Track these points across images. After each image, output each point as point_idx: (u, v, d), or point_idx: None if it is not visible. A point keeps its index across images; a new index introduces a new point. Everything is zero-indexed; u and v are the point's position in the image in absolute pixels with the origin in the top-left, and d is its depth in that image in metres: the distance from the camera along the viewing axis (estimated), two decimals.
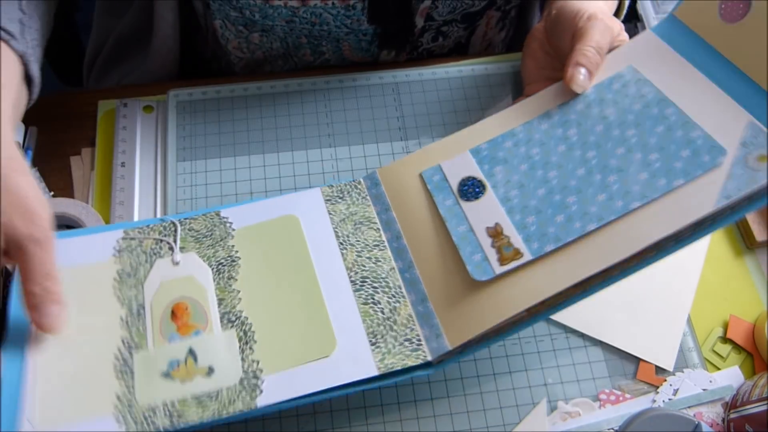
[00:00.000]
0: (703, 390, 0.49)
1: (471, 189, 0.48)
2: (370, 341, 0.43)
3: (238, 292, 0.46)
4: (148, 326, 0.44)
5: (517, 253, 0.44)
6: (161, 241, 0.48)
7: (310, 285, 0.46)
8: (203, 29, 0.71)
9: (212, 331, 0.44)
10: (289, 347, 0.43)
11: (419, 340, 0.43)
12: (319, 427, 0.47)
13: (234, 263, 0.47)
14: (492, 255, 0.44)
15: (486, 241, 0.45)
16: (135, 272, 0.46)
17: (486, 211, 0.47)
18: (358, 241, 0.48)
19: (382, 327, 0.44)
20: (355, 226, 0.49)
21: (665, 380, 0.49)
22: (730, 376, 0.50)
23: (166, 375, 0.42)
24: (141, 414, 0.40)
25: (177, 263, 0.46)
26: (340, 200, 0.51)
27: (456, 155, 0.50)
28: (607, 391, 0.49)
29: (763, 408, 0.44)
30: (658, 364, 0.50)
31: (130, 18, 0.71)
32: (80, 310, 0.44)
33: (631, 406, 0.48)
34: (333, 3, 0.60)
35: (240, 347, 0.43)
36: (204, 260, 0.47)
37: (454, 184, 0.49)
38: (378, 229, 0.49)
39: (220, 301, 0.45)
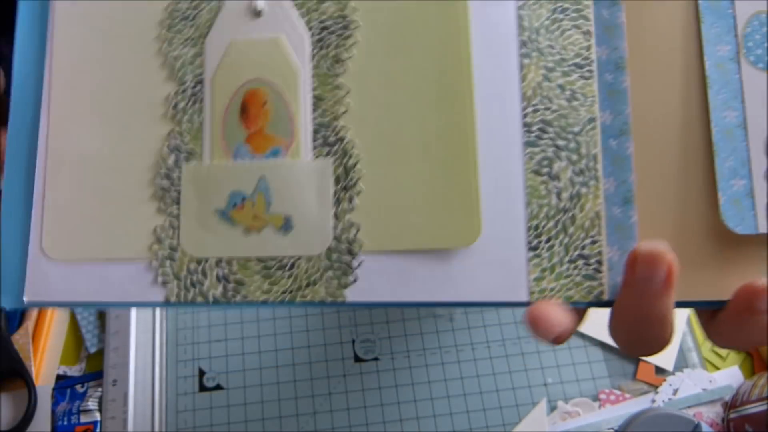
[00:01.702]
0: (703, 390, 0.48)
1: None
2: (529, 242, 0.26)
3: (347, 92, 0.27)
4: (205, 120, 0.28)
5: None
6: None
7: (458, 108, 0.27)
8: None
9: (298, 154, 0.27)
10: (408, 214, 0.26)
11: (599, 263, 0.26)
12: (319, 427, 0.45)
13: (347, 31, 0.28)
14: (764, 192, 0.26)
15: (762, 163, 0.26)
16: (194, 14, 0.28)
17: None
18: (553, 47, 0.27)
19: (552, 222, 0.26)
20: (554, 17, 0.27)
21: (665, 380, 0.48)
22: (730, 376, 0.49)
23: (224, 215, 0.27)
24: (185, 268, 0.27)
25: (259, 12, 0.28)
26: None
27: None
28: (606, 390, 0.47)
29: (763, 408, 0.44)
30: (657, 364, 0.49)
31: None
32: (106, 70, 0.28)
33: (630, 406, 0.47)
34: None
35: (336, 193, 0.27)
36: (303, 13, 0.28)
37: (743, 18, 0.27)
38: (588, 33, 0.27)
39: (318, 100, 0.27)
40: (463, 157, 0.27)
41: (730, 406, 0.47)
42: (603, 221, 0.26)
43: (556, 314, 0.25)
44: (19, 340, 0.48)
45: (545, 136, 0.27)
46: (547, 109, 0.27)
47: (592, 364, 0.49)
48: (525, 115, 0.27)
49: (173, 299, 0.27)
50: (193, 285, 0.27)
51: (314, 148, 0.27)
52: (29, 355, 0.47)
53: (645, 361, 0.49)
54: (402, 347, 0.49)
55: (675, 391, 0.48)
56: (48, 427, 0.46)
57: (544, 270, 0.26)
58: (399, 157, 0.27)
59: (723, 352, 0.51)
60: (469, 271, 0.26)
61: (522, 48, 0.27)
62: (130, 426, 0.46)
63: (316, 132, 0.27)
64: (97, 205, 0.28)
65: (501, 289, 0.26)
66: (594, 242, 0.26)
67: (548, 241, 0.26)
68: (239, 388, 0.48)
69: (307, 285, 0.26)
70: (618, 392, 0.48)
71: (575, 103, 0.27)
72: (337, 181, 0.27)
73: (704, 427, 0.43)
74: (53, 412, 0.47)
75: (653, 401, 0.47)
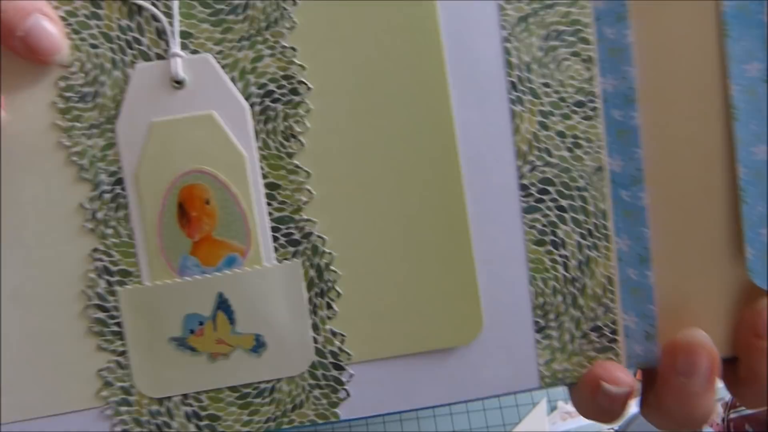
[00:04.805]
0: None
1: None
2: (536, 322, 0.22)
3: (307, 176, 0.22)
4: (136, 230, 0.21)
5: None
6: (140, 10, 0.21)
7: (443, 182, 0.22)
8: None
9: (258, 260, 0.22)
10: (397, 315, 0.22)
11: (614, 333, 0.22)
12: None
13: (296, 96, 0.21)
14: None
15: None
16: (94, 89, 0.21)
17: None
18: (548, 84, 0.22)
19: (560, 297, 0.22)
20: (547, 46, 0.22)
21: None
22: None
23: (181, 343, 0.22)
24: (146, 412, 0.22)
25: (180, 81, 0.21)
26: None
27: None
28: None
29: (763, 408, 0.44)
30: None
31: None
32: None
33: (630, 406, 0.48)
34: None
35: (310, 300, 0.22)
36: (235, 77, 0.21)
37: None
38: (590, 60, 0.22)
39: (272, 190, 0.22)
40: (454, 241, 0.22)
41: (730, 406, 0.47)
42: (616, 285, 0.22)
43: (618, 372, 0.22)
44: None
45: (546, 197, 0.22)
46: (546, 164, 0.22)
47: None
48: (521, 176, 0.22)
49: None
50: (159, 429, 0.22)
51: (276, 249, 0.22)
52: None
53: None
54: None
55: None
56: None
57: (554, 351, 0.22)
58: (379, 248, 0.22)
59: None
60: (472, 367, 0.22)
61: (512, 92, 0.22)
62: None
63: (275, 230, 0.22)
64: (20, 354, 0.22)
65: (508, 380, 0.22)
66: (607, 310, 0.22)
67: (557, 318, 0.22)
68: None
69: (293, 409, 0.22)
70: None
71: (579, 151, 0.22)
72: (311, 285, 0.22)
73: (704, 427, 0.43)
74: None
75: None
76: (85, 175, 0.21)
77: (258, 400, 0.22)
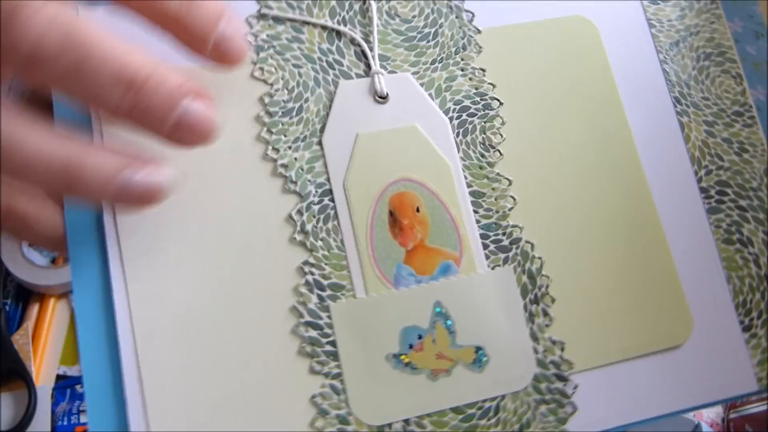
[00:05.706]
0: None
1: None
2: (741, 321, 0.22)
3: (509, 182, 0.22)
4: (347, 240, 0.21)
5: None
6: (339, 35, 0.22)
7: (631, 184, 0.23)
8: None
9: (473, 267, 0.21)
10: (609, 319, 0.22)
11: None
12: None
13: (490, 111, 0.23)
14: None
15: None
16: (298, 104, 0.21)
17: None
18: (707, 98, 0.24)
19: (758, 294, 0.23)
20: (699, 66, 0.24)
21: None
22: None
23: (400, 361, 0.20)
24: None
25: (384, 96, 0.22)
26: None
27: None
28: None
29: (763, 408, 0.43)
30: None
31: None
32: (201, 191, 0.20)
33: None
34: None
35: (526, 307, 0.21)
36: (432, 94, 0.22)
37: None
38: (739, 76, 0.24)
39: (478, 197, 0.22)
40: (651, 242, 0.22)
41: (730, 406, 0.47)
42: None
43: None
44: (19, 340, 0.47)
45: (726, 198, 0.23)
46: (719, 168, 0.24)
47: None
48: (699, 180, 0.23)
49: None
50: None
51: (487, 256, 0.21)
52: (29, 355, 0.46)
53: None
54: None
55: None
56: (48, 427, 0.45)
57: (764, 351, 0.22)
58: (582, 252, 0.22)
59: None
60: (688, 370, 0.22)
61: (677, 105, 0.24)
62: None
63: (484, 237, 0.21)
64: (230, 381, 0.19)
65: (726, 383, 0.22)
66: None
67: (760, 316, 0.22)
68: None
69: (521, 429, 0.20)
70: None
71: (746, 155, 0.24)
72: (524, 292, 0.21)
73: (704, 427, 0.42)
74: (53, 412, 0.46)
75: None
76: (292, 187, 0.21)
77: (483, 422, 0.20)
